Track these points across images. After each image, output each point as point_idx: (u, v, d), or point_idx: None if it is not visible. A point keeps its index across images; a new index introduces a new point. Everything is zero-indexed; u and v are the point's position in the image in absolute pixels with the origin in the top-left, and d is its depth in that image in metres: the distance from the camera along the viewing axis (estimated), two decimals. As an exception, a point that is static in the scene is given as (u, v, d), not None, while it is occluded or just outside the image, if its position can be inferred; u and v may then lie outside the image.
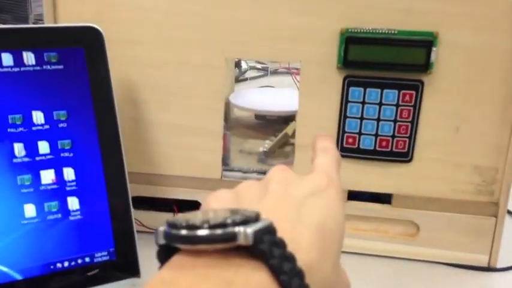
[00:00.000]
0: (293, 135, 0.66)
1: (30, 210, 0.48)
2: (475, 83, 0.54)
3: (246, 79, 1.15)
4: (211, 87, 0.57)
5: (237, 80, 1.07)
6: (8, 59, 0.48)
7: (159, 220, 0.62)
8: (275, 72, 1.22)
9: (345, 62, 0.54)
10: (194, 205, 0.63)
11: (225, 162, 0.62)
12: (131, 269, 0.52)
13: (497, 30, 0.52)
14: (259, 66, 1.23)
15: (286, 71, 1.14)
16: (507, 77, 0.53)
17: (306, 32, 0.54)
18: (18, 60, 0.48)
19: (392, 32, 0.53)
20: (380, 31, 0.53)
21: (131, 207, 0.52)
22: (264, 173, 0.61)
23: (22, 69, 0.49)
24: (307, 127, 0.57)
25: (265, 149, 0.69)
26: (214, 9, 0.55)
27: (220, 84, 0.57)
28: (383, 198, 0.60)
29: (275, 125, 0.77)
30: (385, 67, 0.54)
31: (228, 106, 0.77)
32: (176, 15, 0.56)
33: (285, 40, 0.54)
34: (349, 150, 0.57)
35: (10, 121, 0.48)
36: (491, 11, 0.51)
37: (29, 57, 0.49)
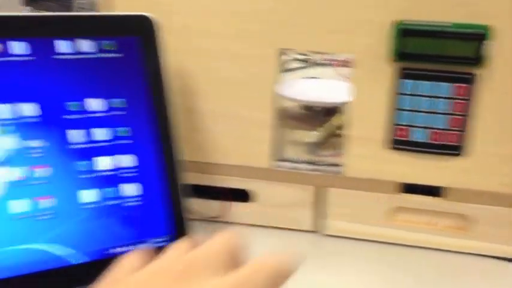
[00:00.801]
0: (340, 127, 0.67)
1: (89, 195, 0.50)
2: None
3: (289, 69, 1.16)
4: (262, 77, 0.58)
5: (281, 71, 1.08)
6: (65, 46, 0.50)
7: (213, 208, 0.64)
8: (316, 63, 1.21)
9: (398, 54, 0.54)
10: (245, 194, 0.64)
11: (275, 152, 0.62)
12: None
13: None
14: (300, 57, 1.23)
15: (328, 62, 1.14)
16: None
17: (358, 24, 0.54)
18: (75, 48, 0.50)
19: (446, 24, 0.52)
20: (434, 24, 0.52)
21: (185, 194, 0.53)
22: (314, 163, 0.62)
23: (79, 56, 0.50)
24: (358, 119, 0.57)
25: (314, 140, 0.69)
26: (269, 1, 0.55)
27: (272, 75, 0.58)
28: (435, 191, 0.60)
29: (321, 116, 0.77)
30: (438, 60, 0.54)
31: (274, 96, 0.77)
32: (231, 5, 0.56)
33: (338, 32, 0.55)
34: (400, 143, 0.58)
35: (68, 108, 0.50)
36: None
37: (84, 45, 0.50)
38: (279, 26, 0.56)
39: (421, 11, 0.52)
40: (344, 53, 0.56)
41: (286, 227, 0.64)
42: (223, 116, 0.60)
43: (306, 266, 0.33)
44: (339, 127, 0.69)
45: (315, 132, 0.73)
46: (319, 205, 0.63)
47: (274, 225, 0.64)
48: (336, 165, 0.60)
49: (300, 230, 0.64)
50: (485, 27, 0.52)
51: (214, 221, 0.64)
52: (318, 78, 1.03)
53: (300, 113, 0.82)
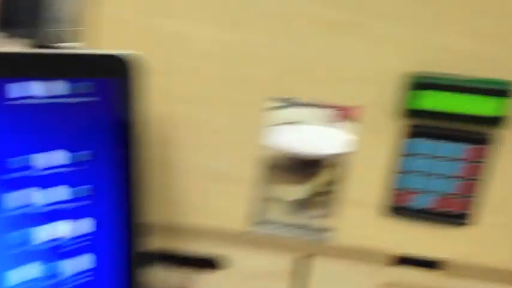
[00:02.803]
0: (330, 182, 0.58)
1: (32, 270, 0.38)
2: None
3: (271, 110, 1.07)
4: (246, 125, 0.49)
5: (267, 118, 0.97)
6: (17, 89, 0.38)
7: (177, 278, 0.53)
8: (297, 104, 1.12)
9: (409, 109, 0.46)
10: (215, 261, 0.54)
11: (253, 212, 0.53)
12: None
13: None
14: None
15: (311, 102, 1.06)
16: None
17: (365, 74, 0.46)
18: (28, 91, 0.38)
19: (464, 79, 0.46)
20: (450, 77, 0.46)
21: (146, 264, 0.43)
22: (298, 227, 0.53)
23: (31, 101, 0.38)
24: (354, 178, 0.49)
25: (299, 197, 0.60)
26: (263, 45, 0.47)
27: (256, 123, 0.49)
28: (434, 264, 0.52)
29: (309, 169, 0.69)
30: (450, 117, 0.47)
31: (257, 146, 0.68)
32: (220, 47, 0.47)
33: (342, 80, 0.47)
34: (399, 209, 0.50)
35: (10, 165, 0.37)
36: None
37: (41, 87, 0.39)
38: (273, 72, 0.47)
39: (439, 63, 0.46)
40: (347, 103, 0.48)
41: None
42: (197, 169, 0.50)
43: None
44: (330, 183, 0.61)
45: (301, 187, 0.64)
46: (299, 277, 0.54)
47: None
48: (324, 230, 0.52)
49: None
50: (506, 83, 0.46)
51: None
52: (306, 123, 0.94)
53: (285, 164, 0.73)
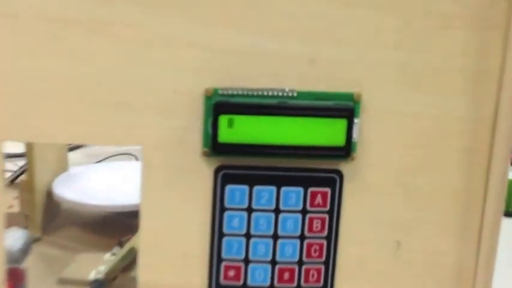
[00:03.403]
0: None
1: None
2: (421, 171, 0.34)
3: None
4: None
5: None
6: None
7: None
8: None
9: (215, 144, 0.32)
10: None
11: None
12: None
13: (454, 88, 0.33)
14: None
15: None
16: (466, 159, 0.34)
17: (143, 96, 0.31)
18: None
19: (289, 94, 0.32)
20: (269, 93, 0.32)
21: None
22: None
23: None
24: (154, 254, 0.34)
25: (99, 277, 0.44)
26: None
27: None
28: None
29: (121, 226, 0.53)
30: (279, 152, 0.32)
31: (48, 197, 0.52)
32: None
33: (110, 109, 0.32)
34: (230, 290, 0.35)
35: None
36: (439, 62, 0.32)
37: None
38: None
39: (252, 73, 0.31)
40: (124, 144, 0.33)
41: None
42: None
43: None
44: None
45: (107, 257, 0.48)
46: None
47: None
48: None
49: None
50: (351, 97, 0.32)
51: None
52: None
53: (88, 220, 0.57)
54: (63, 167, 0.64)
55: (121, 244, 0.50)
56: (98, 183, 0.62)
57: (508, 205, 0.49)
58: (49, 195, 0.56)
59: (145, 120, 0.31)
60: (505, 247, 0.38)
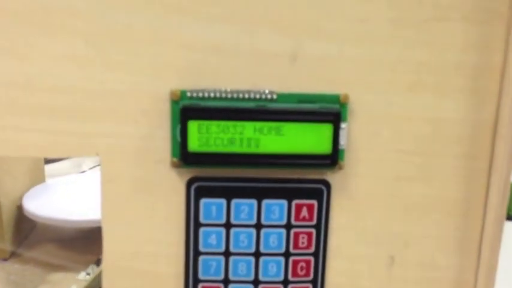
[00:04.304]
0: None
1: None
2: (416, 180, 0.31)
3: None
4: None
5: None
6: None
7: None
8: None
9: (185, 153, 0.28)
10: None
11: None
12: None
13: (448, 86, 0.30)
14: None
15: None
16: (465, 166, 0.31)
17: (99, 101, 0.28)
18: None
19: (268, 96, 0.29)
20: (245, 96, 0.28)
21: None
22: None
23: None
24: (120, 278, 0.30)
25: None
26: None
27: None
28: None
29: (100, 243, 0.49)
30: (258, 161, 0.29)
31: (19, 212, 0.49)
32: None
33: (60, 115, 0.28)
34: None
35: None
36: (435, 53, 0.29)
37: None
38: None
39: (222, 73, 0.28)
40: (83, 155, 0.29)
41: None
42: None
43: None
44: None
45: (82, 275, 0.44)
46: None
47: None
48: None
49: None
50: (337, 99, 0.29)
51: None
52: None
53: (66, 235, 0.54)
54: (39, 179, 0.60)
55: (98, 262, 0.46)
56: (75, 195, 0.59)
57: (510, 208, 0.46)
58: (20, 210, 0.52)
59: (102, 127, 0.27)
60: (506, 252, 0.35)
